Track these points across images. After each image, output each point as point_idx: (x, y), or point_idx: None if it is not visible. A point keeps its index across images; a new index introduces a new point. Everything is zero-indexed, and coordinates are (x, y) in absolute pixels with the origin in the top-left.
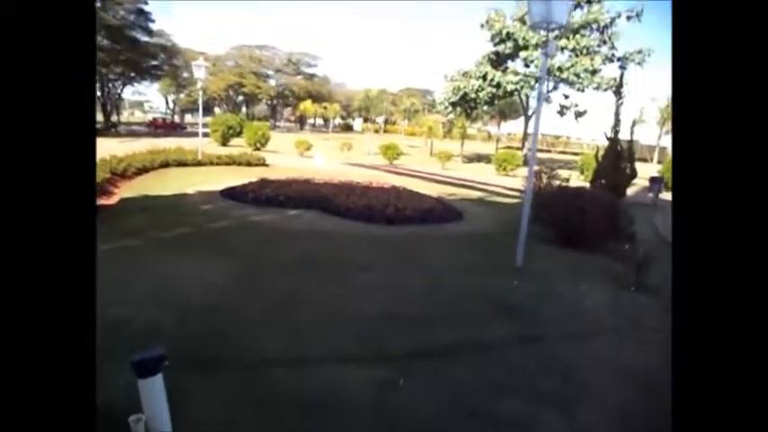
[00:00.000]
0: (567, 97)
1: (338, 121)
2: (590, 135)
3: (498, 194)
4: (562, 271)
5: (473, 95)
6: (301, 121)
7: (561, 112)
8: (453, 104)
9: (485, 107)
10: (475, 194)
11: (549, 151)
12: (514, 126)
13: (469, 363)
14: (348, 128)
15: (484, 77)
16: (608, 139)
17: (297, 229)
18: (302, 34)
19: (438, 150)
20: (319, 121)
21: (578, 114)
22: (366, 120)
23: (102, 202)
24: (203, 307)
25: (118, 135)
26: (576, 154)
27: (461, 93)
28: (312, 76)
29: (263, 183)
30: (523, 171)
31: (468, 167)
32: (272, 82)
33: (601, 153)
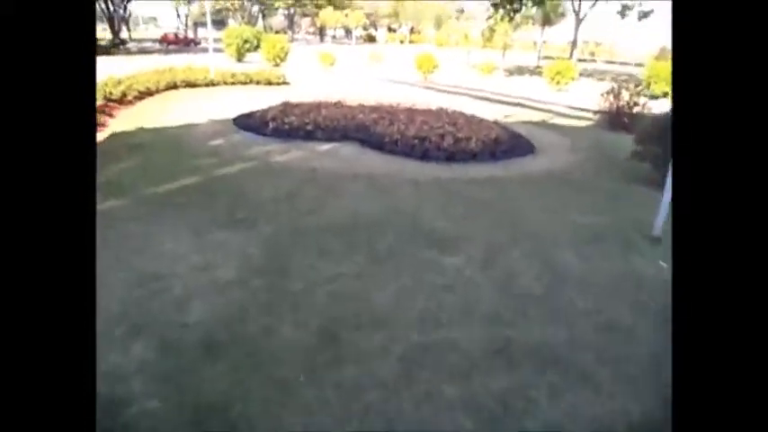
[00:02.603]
0: None
1: (360, 32)
2: (652, 41)
3: (562, 115)
4: None
5: None
6: (321, 32)
7: (623, 13)
8: (495, 6)
9: (532, 9)
10: (535, 115)
11: (593, 61)
12: (554, 33)
13: None
14: (371, 39)
15: None
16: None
17: (334, 173)
18: None
19: (478, 62)
20: (340, 33)
21: (642, 15)
22: (390, 29)
23: None
24: (203, 340)
25: (127, 52)
26: (623, 63)
27: None
28: None
29: (286, 107)
30: (580, 84)
31: (513, 81)
32: None
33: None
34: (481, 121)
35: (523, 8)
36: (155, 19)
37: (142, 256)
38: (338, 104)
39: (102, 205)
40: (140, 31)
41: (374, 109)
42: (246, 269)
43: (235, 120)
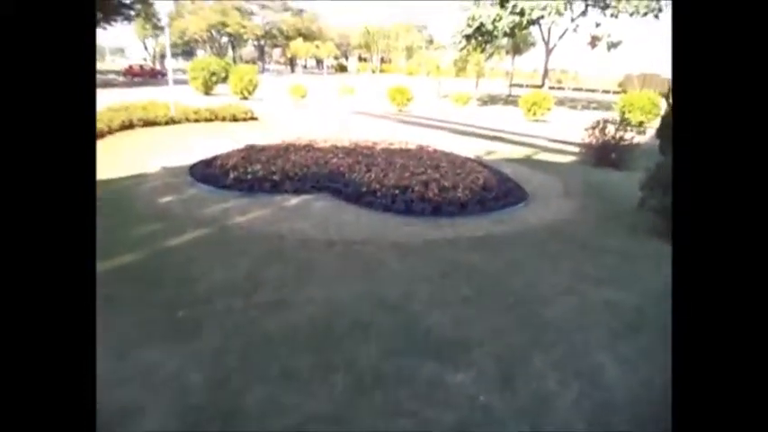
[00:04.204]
0: (598, 25)
1: (331, 61)
2: (617, 69)
3: (543, 149)
4: None
5: (490, 26)
6: (292, 62)
7: (593, 44)
8: (467, 37)
9: (503, 40)
10: (516, 150)
11: (561, 88)
12: (522, 61)
13: None
14: (342, 68)
15: (502, 4)
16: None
17: (304, 240)
18: None
19: (450, 91)
20: (311, 62)
21: (611, 45)
22: (361, 59)
23: None
24: None
25: None
26: (591, 91)
27: (477, 23)
28: (300, 11)
29: (250, 153)
30: (555, 113)
31: (487, 111)
32: (258, 20)
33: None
34: (465, 162)
35: (495, 39)
36: (122, 50)
37: None
38: (309, 147)
39: None
40: (107, 63)
41: (349, 152)
42: (183, 410)
43: (191, 169)
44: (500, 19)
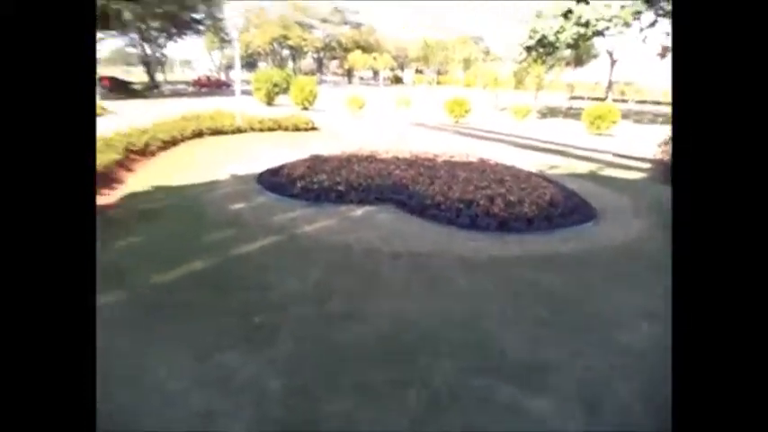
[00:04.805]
0: (669, 35)
1: (387, 73)
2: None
3: (609, 164)
4: None
5: (552, 38)
6: (349, 74)
7: (663, 54)
8: (528, 49)
9: (566, 51)
10: (581, 166)
11: (625, 101)
12: (582, 73)
13: None
14: (398, 80)
15: (566, 15)
16: None
17: (370, 251)
18: None
19: (508, 104)
20: (367, 74)
21: None
22: (418, 71)
23: (100, 200)
24: None
25: (161, 95)
26: (656, 103)
27: (539, 35)
28: (359, 25)
29: (315, 163)
30: (619, 127)
31: (547, 124)
32: (318, 33)
33: None
34: (529, 176)
35: (556, 51)
36: (189, 62)
37: (125, 390)
38: (371, 158)
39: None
40: (176, 74)
41: (410, 163)
42: (260, 417)
43: (259, 177)
44: (563, 30)
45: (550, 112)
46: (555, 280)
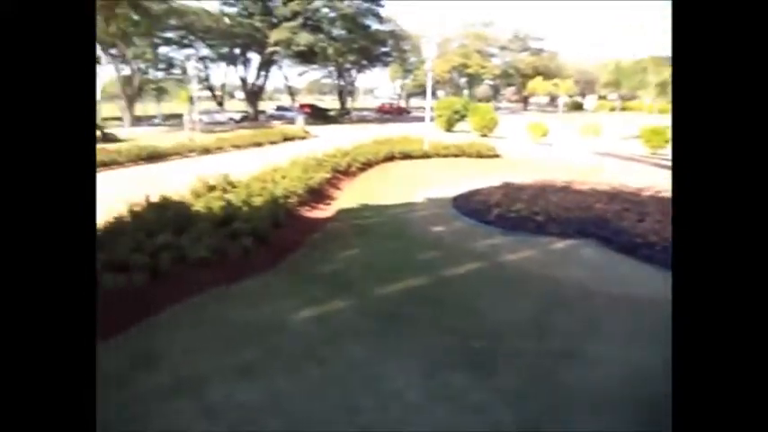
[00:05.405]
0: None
1: (565, 99)
2: None
3: None
4: None
5: None
6: (525, 100)
7: None
8: None
9: None
10: None
11: None
12: None
13: None
14: (578, 107)
15: None
16: None
17: (582, 289)
18: (529, 6)
19: None
20: (542, 100)
21: None
22: (601, 96)
23: (318, 212)
24: None
25: (350, 121)
26: None
27: None
28: (540, 50)
29: (509, 190)
30: None
31: None
32: (497, 60)
33: None
34: None
35: None
36: (372, 91)
37: (366, 398)
38: (567, 189)
39: (324, 306)
40: (359, 102)
41: (612, 196)
42: None
43: (454, 201)
44: None
45: None
46: None
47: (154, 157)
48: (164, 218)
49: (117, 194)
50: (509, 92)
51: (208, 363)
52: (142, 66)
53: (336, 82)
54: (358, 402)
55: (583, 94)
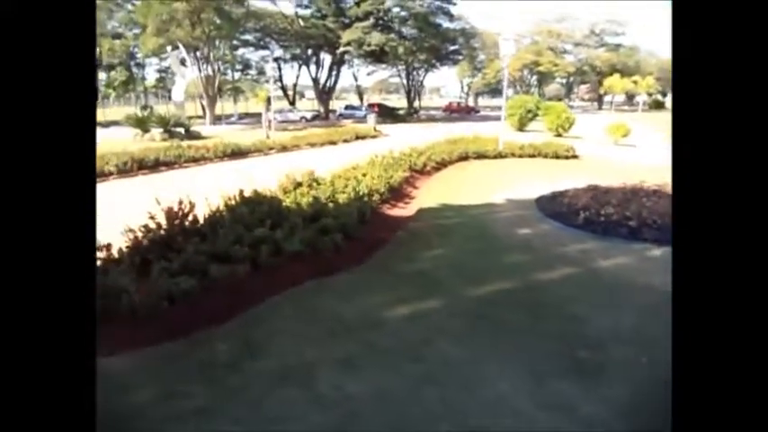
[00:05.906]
0: None
1: (644, 97)
2: None
3: None
4: None
5: None
6: (600, 99)
7: None
8: None
9: None
10: None
11: None
12: None
13: None
14: (658, 105)
15: None
16: None
17: None
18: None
19: None
20: (618, 98)
21: None
22: None
23: (399, 210)
24: None
25: (418, 120)
26: None
27: None
28: (618, 46)
29: (597, 193)
30: None
31: None
32: (570, 57)
33: None
34: None
35: None
36: (438, 89)
37: (472, 402)
38: (659, 193)
39: (416, 305)
40: (426, 100)
41: None
42: None
43: (537, 202)
44: None
45: None
46: None
47: (236, 153)
48: (258, 212)
49: (212, 188)
50: (582, 90)
51: (311, 353)
52: (221, 67)
53: (404, 81)
54: (450, 403)
55: (664, 93)
